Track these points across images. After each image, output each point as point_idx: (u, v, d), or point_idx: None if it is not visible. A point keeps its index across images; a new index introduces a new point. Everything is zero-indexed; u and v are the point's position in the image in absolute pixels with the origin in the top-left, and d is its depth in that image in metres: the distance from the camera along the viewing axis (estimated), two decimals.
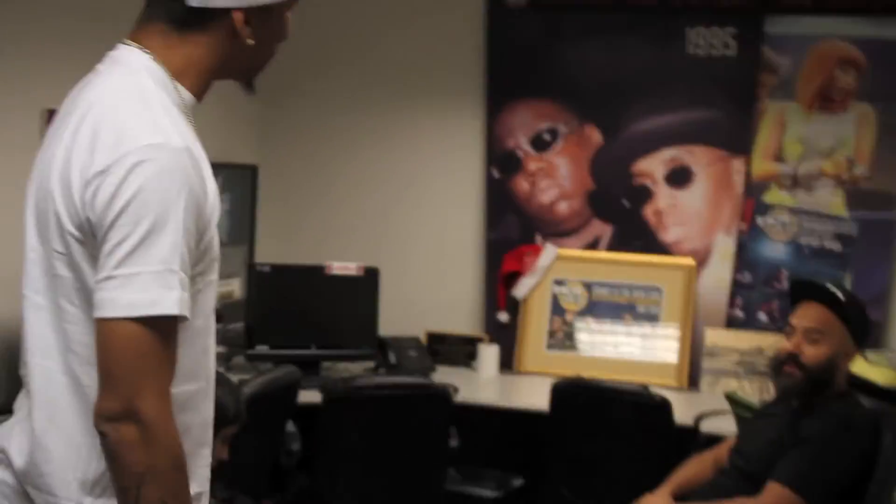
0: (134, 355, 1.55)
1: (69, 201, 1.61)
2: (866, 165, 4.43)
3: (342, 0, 4.92)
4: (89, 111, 1.64)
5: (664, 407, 3.79)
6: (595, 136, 4.75)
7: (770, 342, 4.30)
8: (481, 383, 4.59)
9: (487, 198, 4.89)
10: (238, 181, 4.88)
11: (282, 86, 4.72)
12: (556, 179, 4.79)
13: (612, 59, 4.69)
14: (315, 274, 4.52)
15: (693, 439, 3.83)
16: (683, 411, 3.94)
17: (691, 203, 4.64)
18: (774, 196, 4.55)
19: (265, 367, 3.98)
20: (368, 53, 5.01)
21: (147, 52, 1.69)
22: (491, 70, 4.85)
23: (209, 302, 1.73)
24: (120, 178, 1.55)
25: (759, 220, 4.56)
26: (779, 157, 4.53)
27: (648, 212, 4.70)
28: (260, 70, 1.83)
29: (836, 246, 4.47)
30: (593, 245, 4.78)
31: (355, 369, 4.58)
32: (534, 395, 4.15)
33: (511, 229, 4.85)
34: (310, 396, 3.90)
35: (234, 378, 3.22)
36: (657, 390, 3.91)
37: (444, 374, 4.51)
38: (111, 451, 1.57)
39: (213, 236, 1.70)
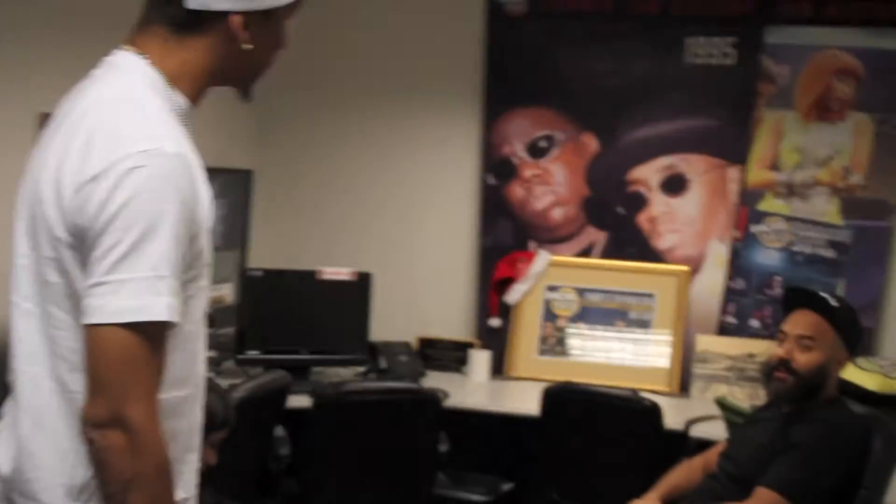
0: (122, 362, 1.55)
1: (60, 207, 1.60)
2: (862, 174, 4.44)
3: (339, 6, 4.92)
4: (84, 117, 1.64)
5: (654, 412, 3.80)
6: (592, 143, 4.75)
7: (761, 348, 4.32)
8: (472, 388, 4.58)
9: (482, 204, 4.89)
10: (233, 186, 4.87)
11: (278, 91, 4.72)
12: (551, 186, 4.79)
13: (610, 67, 4.69)
14: (307, 279, 4.51)
15: (683, 444, 3.83)
16: (674, 416, 3.95)
17: (686, 210, 4.65)
18: (769, 204, 4.55)
19: (255, 372, 3.98)
20: (365, 59, 5.01)
21: (144, 58, 1.69)
22: (489, 77, 4.84)
23: (200, 308, 1.73)
24: (112, 185, 1.55)
25: (753, 228, 4.57)
26: (775, 166, 4.54)
27: (642, 219, 4.70)
28: (257, 78, 1.83)
29: (829, 253, 4.48)
30: (587, 252, 4.79)
31: (346, 374, 4.57)
32: (524, 401, 4.15)
33: (505, 235, 4.85)
34: (299, 401, 3.89)
35: (224, 383, 3.21)
36: (648, 396, 3.92)
37: (435, 380, 4.50)
38: (98, 458, 1.57)
39: (205, 242, 1.70)
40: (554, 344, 4.75)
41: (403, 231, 5.02)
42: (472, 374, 4.68)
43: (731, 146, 4.58)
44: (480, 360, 4.69)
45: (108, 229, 1.55)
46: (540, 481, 4.08)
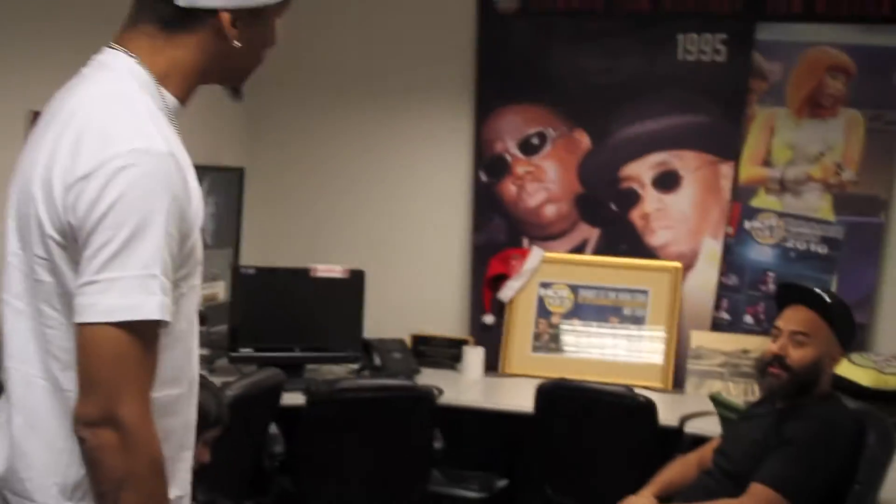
0: (114, 360, 1.54)
1: (51, 205, 1.60)
2: (854, 170, 4.45)
3: (331, 3, 4.91)
4: (73, 115, 1.63)
5: (648, 408, 3.80)
6: (584, 140, 4.75)
7: (755, 344, 4.32)
8: (466, 385, 4.58)
9: (474, 201, 4.88)
10: (224, 184, 4.87)
11: (269, 88, 4.71)
12: (543, 183, 4.80)
13: (602, 64, 4.69)
14: (300, 276, 4.51)
15: (678, 440, 3.83)
16: (668, 412, 3.95)
17: (678, 207, 4.66)
18: (762, 200, 4.56)
19: (249, 370, 3.97)
20: (357, 56, 5.00)
21: (132, 56, 1.69)
22: (481, 74, 4.84)
23: (192, 306, 1.73)
24: (102, 183, 1.55)
25: (746, 224, 4.57)
26: (767, 162, 4.55)
27: (635, 215, 4.70)
28: (247, 76, 1.83)
29: (822, 249, 4.48)
30: (580, 248, 4.79)
31: (339, 371, 4.58)
32: (518, 397, 4.16)
33: (498, 232, 4.85)
34: (293, 399, 3.88)
35: (218, 381, 3.21)
36: (642, 392, 3.91)
37: (428, 377, 4.50)
38: (91, 457, 1.56)
39: (197, 241, 1.69)
40: (548, 340, 4.75)
41: (396, 228, 5.02)
42: (465, 371, 4.68)
43: (723, 143, 4.59)
44: (474, 356, 4.68)
45: (99, 228, 1.54)
46: (534, 478, 4.08)
